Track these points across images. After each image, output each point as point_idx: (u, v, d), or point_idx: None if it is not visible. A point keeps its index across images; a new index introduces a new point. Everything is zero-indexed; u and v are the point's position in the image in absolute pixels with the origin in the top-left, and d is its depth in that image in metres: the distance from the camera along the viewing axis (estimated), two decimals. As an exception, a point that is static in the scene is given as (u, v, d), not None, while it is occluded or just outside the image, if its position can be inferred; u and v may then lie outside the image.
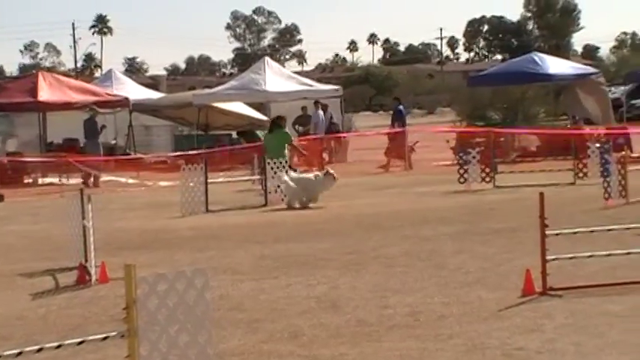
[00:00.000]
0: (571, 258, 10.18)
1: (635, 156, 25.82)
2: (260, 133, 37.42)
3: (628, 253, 10.44)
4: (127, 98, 34.56)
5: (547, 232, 9.66)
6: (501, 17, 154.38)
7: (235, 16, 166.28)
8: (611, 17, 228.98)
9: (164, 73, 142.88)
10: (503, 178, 21.83)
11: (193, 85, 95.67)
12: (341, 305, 9.70)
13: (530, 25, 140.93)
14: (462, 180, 21.59)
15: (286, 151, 22.08)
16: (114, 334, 6.26)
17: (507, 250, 12.53)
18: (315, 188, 19.63)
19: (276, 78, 37.00)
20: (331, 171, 20.19)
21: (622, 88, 48.39)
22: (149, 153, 33.96)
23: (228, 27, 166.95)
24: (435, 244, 13.42)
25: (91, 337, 6.34)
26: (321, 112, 34.43)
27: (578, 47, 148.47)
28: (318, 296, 10.20)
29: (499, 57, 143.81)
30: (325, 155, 33.25)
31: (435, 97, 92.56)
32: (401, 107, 35.14)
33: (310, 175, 20.30)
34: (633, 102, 46.72)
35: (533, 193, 10.12)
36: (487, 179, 21.71)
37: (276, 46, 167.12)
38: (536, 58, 34.43)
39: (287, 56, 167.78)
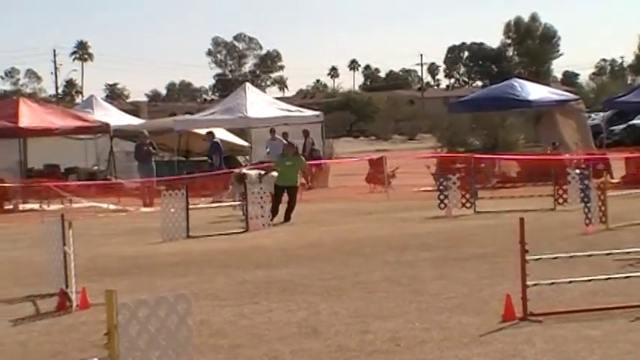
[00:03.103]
0: (551, 284, 10.23)
1: (615, 182, 25.99)
2: (240, 159, 37.52)
3: (608, 279, 10.48)
4: (107, 124, 34.57)
5: (527, 258, 9.71)
6: (481, 44, 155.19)
7: (216, 42, 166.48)
8: (590, 44, 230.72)
9: (145, 99, 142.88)
10: (484, 203, 21.91)
11: (174, 111, 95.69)
12: (322, 331, 9.70)
13: (510, 52, 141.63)
14: (442, 206, 21.64)
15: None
16: (95, 360, 6.26)
17: (488, 276, 12.57)
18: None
19: (258, 104, 37.09)
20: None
21: (601, 114, 48.66)
22: (130, 179, 33.87)
23: (210, 53, 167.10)
24: (416, 270, 13.45)
25: (71, 363, 6.33)
26: (276, 141, 34.34)
27: (558, 73, 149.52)
28: (299, 322, 10.21)
29: (479, 83, 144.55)
30: (304, 181, 33.26)
31: (415, 123, 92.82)
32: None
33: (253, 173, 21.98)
34: (612, 128, 47.00)
35: (514, 219, 10.17)
36: (467, 205, 21.78)
37: (257, 72, 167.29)
38: (516, 84, 34.62)
39: (268, 82, 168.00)
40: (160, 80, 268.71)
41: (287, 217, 21.72)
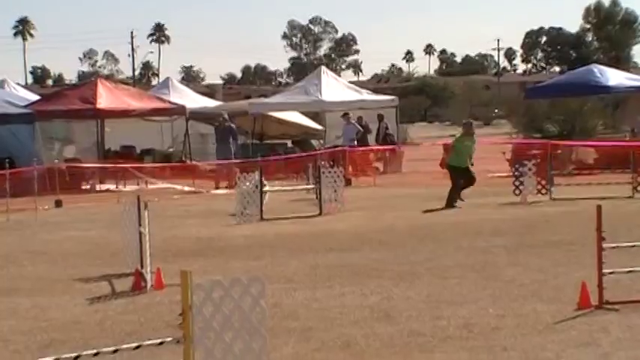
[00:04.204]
0: (628, 272, 10.08)
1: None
2: (315, 143, 37.55)
3: (686, 268, 10.30)
4: (183, 106, 34.81)
5: (604, 246, 9.59)
6: (560, 29, 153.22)
7: (292, 25, 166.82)
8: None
9: (220, 81, 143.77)
10: (560, 190, 21.66)
11: (249, 94, 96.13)
12: (394, 315, 9.69)
13: (590, 37, 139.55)
14: (517, 192, 21.45)
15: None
16: (169, 339, 6.32)
17: (563, 263, 12.44)
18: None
19: (332, 87, 37.04)
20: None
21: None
22: (205, 161, 34.13)
23: (285, 36, 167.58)
24: (489, 256, 13.36)
25: (146, 343, 6.41)
26: (351, 125, 34.18)
27: (638, 59, 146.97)
28: (372, 306, 10.20)
29: (557, 69, 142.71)
30: (379, 165, 33.22)
31: (491, 108, 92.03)
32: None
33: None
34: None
35: (590, 206, 10.05)
36: (543, 191, 21.56)
37: (332, 55, 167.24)
38: (595, 70, 34.11)
39: (343, 66, 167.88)
40: (236, 63, 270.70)
41: (450, 201, 20.79)
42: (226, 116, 32.23)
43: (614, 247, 9.87)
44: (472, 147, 21.79)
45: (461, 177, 21.23)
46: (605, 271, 9.57)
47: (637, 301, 9.67)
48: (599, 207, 9.52)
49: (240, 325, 6.37)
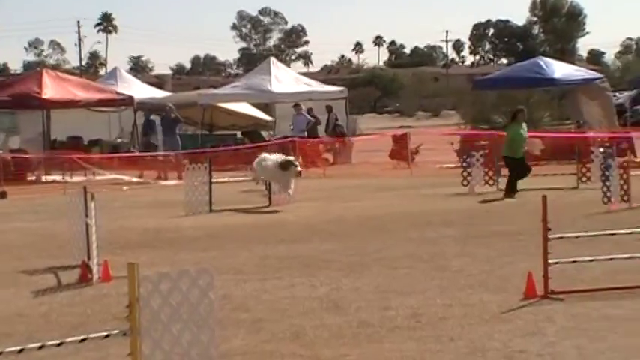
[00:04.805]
0: (573, 262, 10.19)
1: (638, 161, 25.83)
2: (264, 134, 37.51)
3: (630, 257, 10.46)
4: (131, 97, 34.59)
5: (549, 236, 9.69)
6: (507, 21, 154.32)
7: (241, 16, 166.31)
8: (616, 23, 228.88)
9: (169, 72, 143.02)
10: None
11: (198, 84, 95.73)
12: (343, 306, 9.72)
13: (536, 30, 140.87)
14: (465, 183, 21.61)
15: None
16: (116, 332, 6.28)
17: (509, 253, 12.55)
18: (274, 177, 19.81)
19: (282, 79, 37.00)
20: (295, 163, 19.83)
21: (626, 93, 48.43)
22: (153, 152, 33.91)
23: (234, 27, 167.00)
24: (438, 247, 13.44)
25: (92, 335, 6.37)
26: (301, 116, 34.18)
27: (583, 52, 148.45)
28: (321, 297, 10.23)
29: (504, 61, 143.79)
30: (329, 156, 33.26)
31: (440, 100, 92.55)
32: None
33: (270, 164, 20.01)
34: (637, 107, 46.69)
35: (537, 197, 10.14)
36: (491, 182, 21.72)
37: (282, 46, 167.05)
38: (541, 63, 34.41)
39: (293, 57, 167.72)
40: (185, 53, 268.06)
41: (508, 191, 20.09)
42: (172, 106, 32.19)
43: (559, 238, 9.98)
44: (524, 136, 20.92)
45: (516, 167, 20.51)
46: (550, 261, 9.68)
47: (581, 290, 9.79)
48: (544, 198, 9.62)
49: (188, 316, 6.36)
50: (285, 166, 19.57)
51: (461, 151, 27.37)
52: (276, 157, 20.18)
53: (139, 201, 22.31)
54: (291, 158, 19.98)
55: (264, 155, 20.59)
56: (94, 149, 33.50)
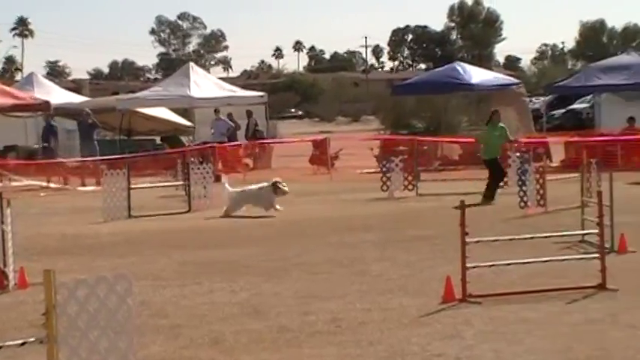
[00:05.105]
0: (490, 266, 10.32)
1: (554, 166, 26.27)
2: (184, 139, 37.31)
3: (546, 261, 10.62)
4: (47, 102, 34.09)
5: (467, 240, 9.80)
6: (425, 27, 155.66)
7: (160, 20, 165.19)
8: (532, 29, 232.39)
9: (87, 77, 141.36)
10: (426, 186, 22.04)
11: (117, 89, 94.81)
12: (263, 311, 9.71)
13: (454, 35, 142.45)
14: (385, 188, 21.74)
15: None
16: (32, 340, 6.19)
17: (429, 258, 12.66)
18: (259, 200, 19.22)
19: (201, 84, 36.87)
20: (281, 184, 19.36)
21: (542, 99, 49.15)
22: (71, 157, 33.52)
23: (153, 32, 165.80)
24: (358, 251, 13.50)
25: (8, 343, 6.26)
26: (221, 121, 34.11)
27: (500, 58, 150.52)
28: (241, 302, 10.20)
29: (423, 66, 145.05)
30: (249, 161, 33.20)
31: (359, 105, 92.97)
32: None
33: (254, 187, 19.66)
34: (552, 113, 47.45)
35: (455, 202, 10.24)
36: (410, 187, 21.89)
37: (201, 51, 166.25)
38: (459, 68, 34.82)
39: (212, 62, 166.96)
40: (103, 58, 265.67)
41: (488, 196, 19.78)
42: (89, 111, 31.91)
43: (477, 242, 10.10)
44: (502, 137, 20.80)
45: (498, 168, 20.44)
46: (468, 265, 9.78)
47: (499, 294, 9.91)
48: (462, 202, 9.72)
49: (105, 323, 6.29)
50: (276, 188, 19.19)
51: (380, 156, 27.56)
52: (258, 185, 19.84)
53: (57, 207, 22.02)
54: (277, 179, 19.72)
55: (234, 189, 19.85)
56: (10, 155, 32.95)
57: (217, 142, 31.72)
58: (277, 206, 19.11)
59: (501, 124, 21.13)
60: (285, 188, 19.37)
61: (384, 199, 21.01)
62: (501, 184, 20.84)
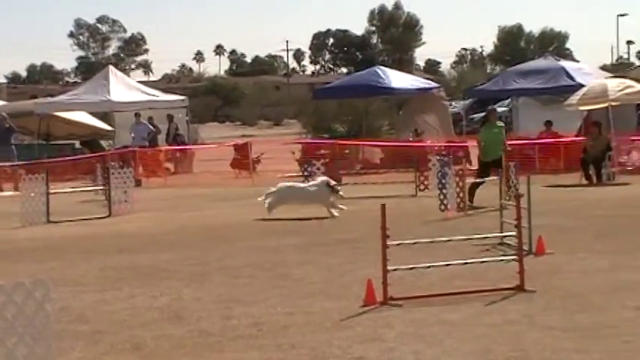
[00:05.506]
0: (411, 268, 10.40)
1: (474, 169, 26.57)
2: (104, 143, 36.97)
3: (465, 263, 10.74)
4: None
5: (388, 243, 9.86)
6: (346, 31, 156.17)
7: (79, 24, 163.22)
8: (451, 33, 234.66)
9: (4, 81, 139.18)
10: (348, 189, 22.09)
11: (35, 93, 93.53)
12: (184, 316, 9.67)
13: (375, 39, 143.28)
14: (306, 191, 21.73)
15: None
16: (-52, 347, 6.09)
17: (350, 261, 12.72)
18: (313, 198, 18.46)
19: (121, 87, 36.57)
20: (331, 182, 18.63)
21: (462, 102, 49.73)
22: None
23: (72, 35, 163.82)
24: (280, 255, 13.51)
25: None
26: (142, 125, 33.91)
27: (420, 62, 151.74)
28: (162, 307, 10.15)
29: (344, 70, 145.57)
30: (170, 165, 33.03)
31: (281, 109, 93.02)
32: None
33: (306, 184, 19.21)
34: (472, 116, 48.01)
35: (376, 205, 10.31)
36: (331, 191, 21.92)
37: (121, 55, 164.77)
38: (379, 72, 35.05)
39: (132, 66, 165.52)
40: (21, 62, 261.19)
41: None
42: (5, 115, 31.47)
43: (398, 245, 10.17)
44: (500, 136, 20.05)
45: (489, 173, 19.33)
46: (389, 268, 9.85)
47: (419, 296, 9.99)
48: (383, 206, 9.79)
49: (23, 330, 6.21)
50: (334, 189, 18.46)
51: (302, 160, 27.62)
52: (306, 183, 19.37)
53: (-27, 213, 21.65)
54: (325, 178, 18.92)
55: (284, 184, 19.46)
56: None
57: (138, 146, 31.52)
58: (341, 205, 18.37)
59: (499, 123, 20.66)
60: (341, 191, 18.63)
61: (306, 203, 21.01)
62: (421, 187, 21.01)
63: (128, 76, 53.09)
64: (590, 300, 9.80)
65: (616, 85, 26.39)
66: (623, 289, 10.29)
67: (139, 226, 17.88)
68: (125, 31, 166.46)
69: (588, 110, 26.66)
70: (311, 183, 19.19)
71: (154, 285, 11.47)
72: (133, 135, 33.55)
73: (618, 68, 73.18)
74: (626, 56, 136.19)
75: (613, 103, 25.45)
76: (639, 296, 9.89)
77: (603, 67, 55.25)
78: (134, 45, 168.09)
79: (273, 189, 18.85)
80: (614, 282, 10.69)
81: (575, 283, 10.69)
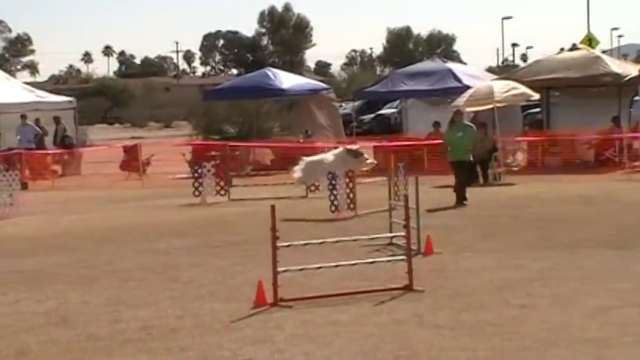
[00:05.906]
0: (301, 269, 10.44)
1: (363, 170, 26.76)
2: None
3: (355, 264, 10.82)
4: None
5: (278, 245, 9.89)
6: (236, 32, 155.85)
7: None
8: (341, 35, 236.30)
9: None
10: (238, 191, 22.09)
11: None
12: (71, 320, 9.53)
13: (265, 41, 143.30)
14: (197, 193, 21.64)
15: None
16: None
17: (241, 263, 12.71)
18: (340, 165, 19.33)
19: (6, 88, 35.80)
20: (352, 147, 19.68)
21: (352, 104, 50.12)
22: None
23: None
24: (170, 258, 13.42)
25: None
26: (28, 127, 33.33)
27: (311, 63, 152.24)
28: (48, 312, 9.99)
29: (235, 71, 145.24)
30: (58, 168, 32.47)
31: (171, 111, 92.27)
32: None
33: (323, 157, 20.37)
34: (362, 118, 48.43)
35: (267, 206, 10.32)
36: (222, 192, 21.87)
37: (6, 55, 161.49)
38: (269, 73, 35.10)
39: (18, 67, 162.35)
40: None
41: (460, 198, 18.96)
42: None
43: (288, 246, 10.20)
44: (467, 137, 19.85)
45: (464, 171, 19.54)
46: (279, 269, 9.87)
47: (309, 297, 10.04)
48: (272, 207, 9.82)
49: None
50: (356, 153, 19.98)
51: (192, 162, 27.42)
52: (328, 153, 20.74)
53: None
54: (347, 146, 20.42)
55: (309, 159, 20.80)
56: None
57: (24, 148, 30.91)
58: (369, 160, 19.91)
59: (467, 123, 20.69)
60: (363, 153, 20.14)
61: (197, 205, 20.93)
62: (312, 188, 21.10)
63: (14, 76, 52.10)
64: (476, 298, 9.99)
65: (501, 87, 26.89)
66: (507, 287, 10.51)
67: (25, 230, 17.55)
68: (10, 31, 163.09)
69: (475, 111, 27.06)
70: (330, 153, 20.72)
71: (40, 289, 11.28)
72: (19, 137, 32.87)
73: (504, 70, 74.61)
74: (511, 58, 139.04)
75: (499, 105, 25.91)
76: (523, 294, 10.12)
77: (489, 69, 56.28)
78: (20, 45, 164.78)
79: (301, 165, 20.35)
80: (498, 280, 10.91)
81: (461, 282, 10.88)
